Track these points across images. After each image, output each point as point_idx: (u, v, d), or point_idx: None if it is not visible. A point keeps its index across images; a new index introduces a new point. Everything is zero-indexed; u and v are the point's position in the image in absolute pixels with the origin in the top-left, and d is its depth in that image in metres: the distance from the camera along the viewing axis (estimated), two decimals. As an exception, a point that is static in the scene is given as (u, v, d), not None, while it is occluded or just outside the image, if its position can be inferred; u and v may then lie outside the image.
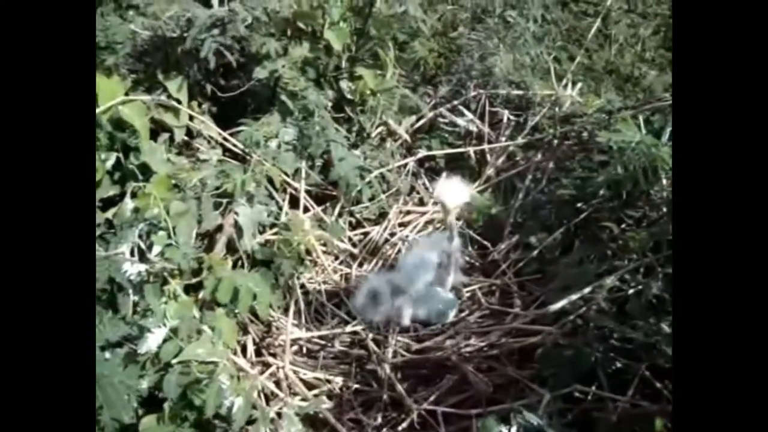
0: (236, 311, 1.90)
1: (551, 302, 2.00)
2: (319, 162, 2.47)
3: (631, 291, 1.88)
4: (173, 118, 2.29)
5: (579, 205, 2.26)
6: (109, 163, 2.03)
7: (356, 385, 2.01)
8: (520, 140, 2.70)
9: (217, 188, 2.13)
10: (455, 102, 2.86)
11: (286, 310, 2.16)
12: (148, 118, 2.13)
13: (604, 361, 1.75)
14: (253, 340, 2.08)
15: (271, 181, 2.28)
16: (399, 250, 2.48)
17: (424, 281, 2.23)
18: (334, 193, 2.52)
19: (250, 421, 1.67)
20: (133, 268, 1.79)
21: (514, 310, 2.18)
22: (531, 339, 1.97)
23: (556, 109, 2.71)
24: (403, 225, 2.59)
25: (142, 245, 1.84)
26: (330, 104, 2.52)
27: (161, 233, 1.88)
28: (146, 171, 2.06)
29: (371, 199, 2.55)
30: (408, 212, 2.64)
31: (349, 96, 2.58)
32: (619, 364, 1.74)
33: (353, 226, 2.58)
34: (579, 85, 2.84)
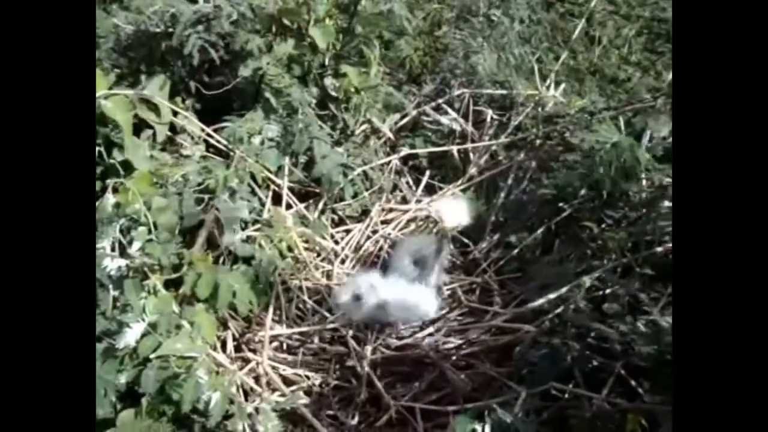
0: (216, 307, 1.90)
1: (530, 301, 2.02)
2: (302, 159, 2.46)
3: (608, 291, 1.90)
4: (156, 115, 2.28)
5: (560, 204, 2.27)
6: (91, 158, 2.02)
7: (335, 382, 2.01)
8: (503, 139, 2.71)
9: (200, 184, 2.13)
10: (439, 100, 2.87)
11: (266, 307, 2.16)
12: (132, 114, 2.12)
13: (580, 360, 1.76)
14: (233, 335, 2.08)
15: (254, 177, 2.27)
16: (381, 248, 2.49)
17: (407, 279, 2.26)
18: (317, 191, 2.52)
19: (228, 416, 1.67)
20: (113, 264, 1.77)
21: (494, 308, 2.19)
22: (509, 337, 1.99)
23: (540, 109, 2.72)
24: (385, 222, 2.59)
25: (123, 240, 1.83)
26: (314, 101, 2.51)
27: (142, 228, 1.87)
28: (128, 167, 2.04)
29: (354, 197, 2.55)
30: (390, 210, 2.64)
31: (333, 93, 2.57)
32: (595, 363, 1.75)
33: (336, 224, 2.58)
34: (563, 85, 2.85)
